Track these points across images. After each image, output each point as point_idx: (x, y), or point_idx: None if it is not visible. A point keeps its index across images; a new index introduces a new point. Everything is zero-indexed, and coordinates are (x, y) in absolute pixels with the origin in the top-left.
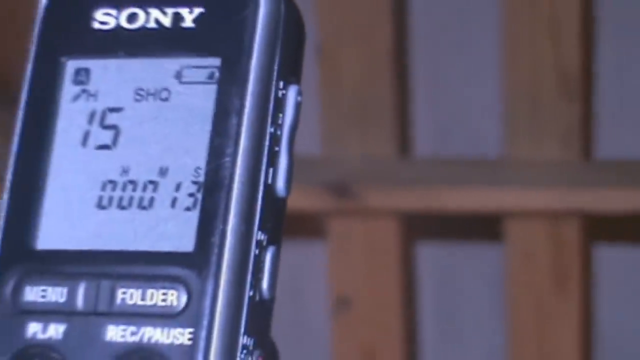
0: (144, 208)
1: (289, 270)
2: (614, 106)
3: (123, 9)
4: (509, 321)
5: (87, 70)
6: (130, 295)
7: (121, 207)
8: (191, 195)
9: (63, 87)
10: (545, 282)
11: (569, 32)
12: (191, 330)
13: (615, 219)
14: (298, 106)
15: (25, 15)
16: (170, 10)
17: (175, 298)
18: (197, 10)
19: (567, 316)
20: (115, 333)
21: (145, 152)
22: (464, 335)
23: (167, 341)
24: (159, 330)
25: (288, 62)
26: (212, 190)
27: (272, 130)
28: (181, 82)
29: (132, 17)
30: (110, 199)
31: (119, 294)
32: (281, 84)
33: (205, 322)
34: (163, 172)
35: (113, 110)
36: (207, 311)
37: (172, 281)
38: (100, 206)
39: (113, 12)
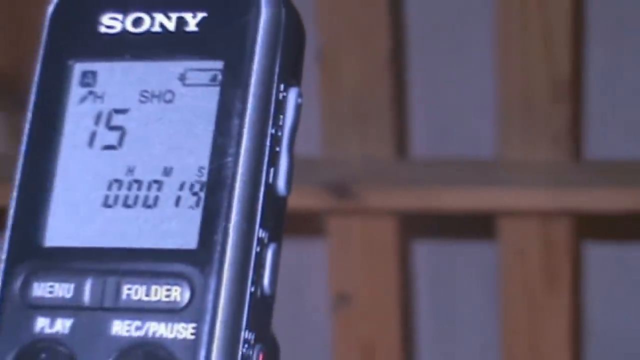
0: (148, 206)
1: (290, 267)
2: (603, 109)
3: (129, 14)
4: (502, 316)
5: (93, 73)
6: (135, 291)
7: (127, 205)
8: (194, 194)
9: (70, 89)
10: (536, 279)
11: (560, 38)
12: (194, 325)
13: (604, 218)
14: (298, 108)
15: (35, 20)
16: (174, 15)
17: (178, 294)
18: (201, 15)
19: (557, 312)
20: (120, 328)
21: (150, 152)
22: (459, 330)
23: (171, 335)
24: (163, 325)
25: (289, 65)
26: (214, 189)
27: (273, 131)
28: (185, 85)
29: (137, 22)
30: (116, 198)
31: (125, 290)
32: (282, 87)
33: (208, 317)
34: (167, 171)
35: (119, 111)
36: (209, 306)
37: (175, 277)
38: (106, 205)
39: (119, 16)
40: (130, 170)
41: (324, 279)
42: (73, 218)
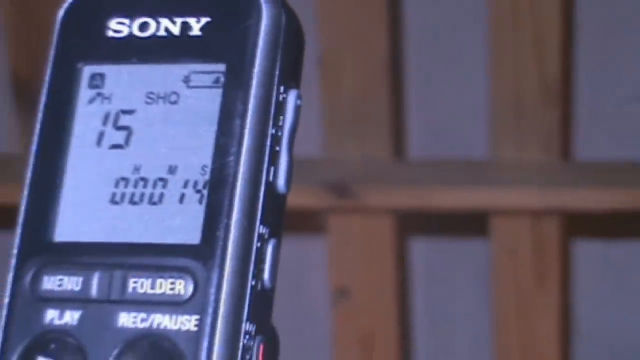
0: (154, 204)
1: (293, 263)
2: (592, 112)
3: (136, 19)
4: (494, 310)
5: (102, 76)
6: (141, 285)
7: (133, 202)
8: (198, 192)
9: (80, 91)
10: (527, 276)
11: (550, 44)
12: (198, 317)
13: (592, 217)
14: (298, 109)
15: (48, 25)
16: (179, 20)
17: (182, 287)
18: (204, 20)
19: (547, 308)
20: (127, 320)
21: (155, 151)
22: (453, 324)
23: (175, 327)
24: (167, 317)
25: (289, 68)
26: (217, 187)
27: (273, 131)
28: (189, 87)
29: (144, 26)
30: (123, 195)
31: (131, 284)
32: (282, 89)
33: (210, 310)
34: (172, 170)
35: (126, 112)
36: (212, 299)
37: (180, 272)
38: (113, 202)
39: (126, 21)
40: (137, 169)
41: (324, 275)
42: (82, 214)
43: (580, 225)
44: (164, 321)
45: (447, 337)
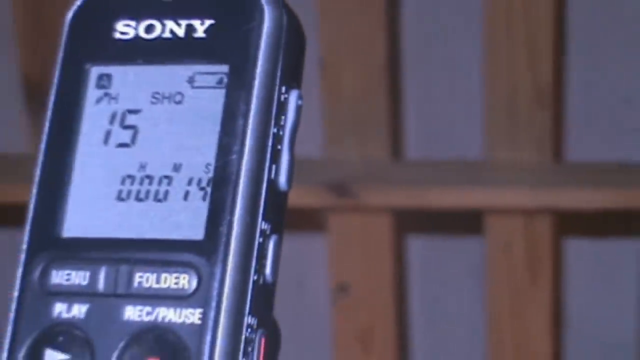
0: (159, 200)
1: (294, 260)
2: (582, 114)
3: (141, 21)
4: (488, 306)
5: (109, 76)
6: (146, 279)
7: (139, 199)
8: (202, 189)
9: (87, 91)
10: (520, 272)
11: (542, 48)
12: (201, 310)
13: (583, 216)
14: (299, 109)
15: (58, 29)
16: (183, 22)
17: (186, 281)
18: (208, 22)
19: (539, 302)
20: (132, 313)
21: (160, 149)
22: (449, 318)
23: (179, 320)
24: (172, 310)
25: (290, 69)
26: (220, 185)
27: (275, 130)
28: (193, 87)
29: (149, 28)
30: (129, 192)
31: (136, 278)
32: (283, 89)
33: (213, 303)
34: (177, 167)
35: (132, 112)
36: (215, 293)
37: (184, 266)
38: (120, 198)
39: (132, 23)
40: (142, 167)
41: (324, 271)
42: (89, 211)
43: (572, 223)
44: (168, 314)
45: (443, 332)
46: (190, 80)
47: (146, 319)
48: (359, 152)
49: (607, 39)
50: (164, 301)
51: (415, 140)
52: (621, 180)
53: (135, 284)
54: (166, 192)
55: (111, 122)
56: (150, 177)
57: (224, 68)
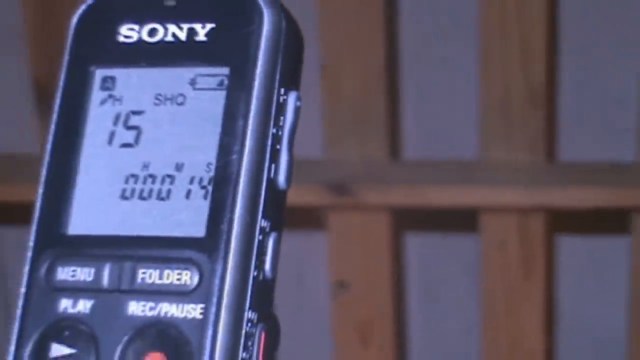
0: (162, 199)
1: (296, 257)
2: (575, 115)
3: (144, 25)
4: (483, 301)
5: (113, 78)
6: (149, 275)
7: (142, 198)
8: (203, 187)
9: (92, 92)
10: (514, 268)
11: (536, 51)
12: (202, 305)
13: (575, 214)
14: (297, 110)
15: (66, 35)
16: (185, 26)
17: (188, 278)
18: (209, 26)
19: (533, 297)
20: (136, 308)
21: (163, 149)
22: (445, 313)
23: (181, 315)
24: (174, 305)
25: (289, 71)
26: (221, 184)
27: (274, 131)
28: (195, 89)
29: (152, 32)
30: (133, 191)
31: (140, 274)
32: (282, 91)
33: (214, 299)
34: (179, 167)
35: (135, 113)
36: (216, 289)
37: (185, 263)
38: (123, 197)
39: (136, 27)
40: (146, 166)
41: (325, 268)
42: (94, 209)
43: (564, 222)
44: (170, 309)
45: (440, 326)
46: (192, 82)
47: (149, 314)
48: (358, 152)
49: (599, 40)
50: (166, 297)
51: (412, 141)
52: (612, 179)
53: (139, 280)
54: (169, 191)
55: (115, 123)
56: (153, 176)
57: (225, 70)
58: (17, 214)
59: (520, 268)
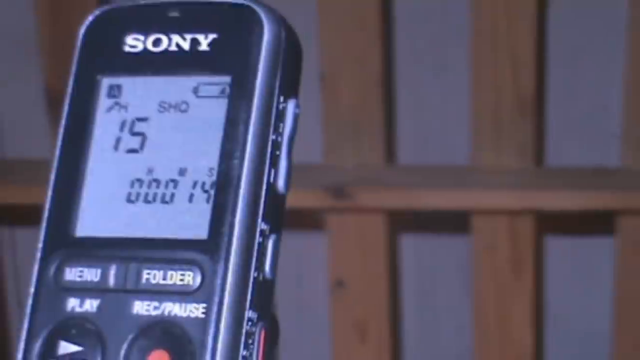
0: (166, 202)
1: (294, 257)
2: (562, 122)
3: (149, 35)
4: (475, 300)
5: (119, 86)
6: (153, 276)
7: (147, 201)
8: (205, 191)
9: (99, 100)
10: (504, 268)
11: (525, 61)
12: (205, 305)
13: (562, 216)
14: (296, 117)
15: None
16: (188, 36)
17: (191, 278)
18: (211, 36)
19: (522, 296)
20: (141, 307)
21: (167, 155)
22: (438, 311)
23: (185, 314)
24: (177, 305)
25: (288, 80)
26: (223, 188)
27: (274, 137)
28: (197, 97)
29: (157, 42)
30: (138, 195)
31: (144, 274)
32: (282, 98)
33: (216, 299)
34: (182, 172)
35: (140, 120)
36: (218, 289)
37: (188, 264)
38: (129, 200)
39: (141, 37)
40: (150, 171)
41: (323, 267)
42: (101, 212)
43: (552, 223)
44: (174, 309)
45: (434, 323)
46: (195, 91)
47: (153, 313)
48: (355, 157)
49: (584, 54)
50: (170, 296)
51: (407, 147)
52: (598, 183)
53: (144, 281)
54: (172, 195)
55: (121, 129)
56: (157, 181)
57: (227, 79)
58: (31, 216)
59: (510, 268)
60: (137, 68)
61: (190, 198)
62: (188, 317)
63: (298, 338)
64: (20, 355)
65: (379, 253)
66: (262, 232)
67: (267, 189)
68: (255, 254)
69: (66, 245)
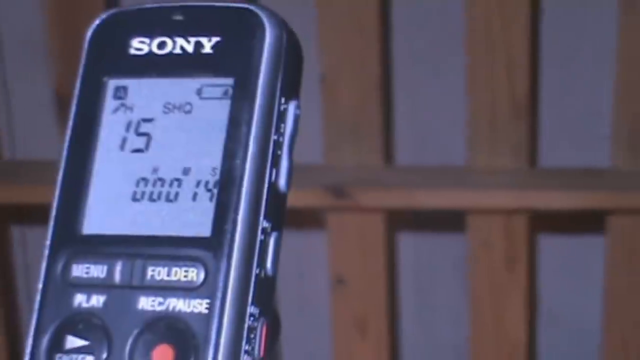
0: (170, 201)
1: (295, 255)
2: (555, 124)
3: (154, 38)
4: (471, 296)
5: (125, 88)
6: (158, 272)
7: (152, 200)
8: (209, 190)
9: (105, 101)
10: (499, 266)
11: (519, 64)
12: (208, 301)
13: (555, 215)
14: (297, 118)
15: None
16: (192, 39)
17: (195, 274)
18: (215, 39)
19: (516, 292)
20: (146, 303)
21: (171, 155)
22: (436, 307)
23: (188, 310)
24: (181, 301)
25: (289, 81)
26: (226, 187)
27: (275, 137)
28: (201, 98)
29: (161, 45)
30: (143, 193)
31: (149, 271)
32: (283, 100)
33: (219, 294)
34: (186, 171)
35: (146, 120)
36: (221, 285)
37: (192, 261)
38: (134, 199)
39: (146, 40)
40: (155, 170)
41: (324, 265)
42: (107, 210)
43: (545, 222)
44: (178, 304)
45: (431, 319)
46: (199, 92)
47: (158, 308)
48: (355, 157)
49: (576, 58)
50: (174, 292)
51: (405, 147)
52: (590, 183)
53: (149, 277)
54: (176, 194)
55: (127, 129)
56: (162, 180)
57: (229, 81)
58: (41, 215)
59: (504, 265)
60: (142, 70)
61: (194, 197)
62: (192, 313)
63: (299, 334)
64: (28, 349)
65: (378, 251)
66: (263, 229)
67: (268, 188)
68: (257, 251)
69: (73, 242)
